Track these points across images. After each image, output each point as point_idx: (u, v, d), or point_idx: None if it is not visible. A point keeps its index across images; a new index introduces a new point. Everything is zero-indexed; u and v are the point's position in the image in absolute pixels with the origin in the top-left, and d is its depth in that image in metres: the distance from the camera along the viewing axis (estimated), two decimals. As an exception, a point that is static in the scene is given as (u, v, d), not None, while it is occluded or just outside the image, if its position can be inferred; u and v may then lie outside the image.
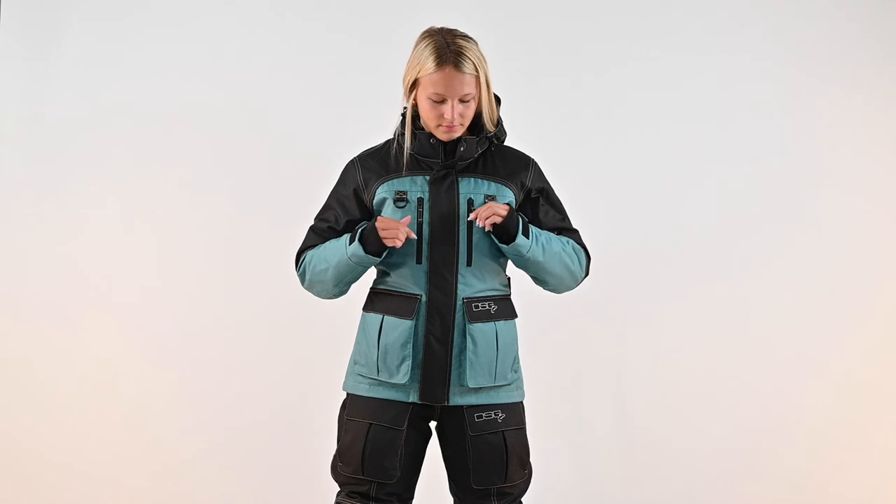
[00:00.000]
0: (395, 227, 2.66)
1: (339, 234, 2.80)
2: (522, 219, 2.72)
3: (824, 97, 4.25)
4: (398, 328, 2.71)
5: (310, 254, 2.81)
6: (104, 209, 4.18)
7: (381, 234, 2.66)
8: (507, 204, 2.73)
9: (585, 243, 2.88)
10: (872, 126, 4.25)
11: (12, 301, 4.16)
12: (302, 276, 2.83)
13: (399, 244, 2.66)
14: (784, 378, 4.18)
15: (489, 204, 2.66)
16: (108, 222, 4.17)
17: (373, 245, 2.68)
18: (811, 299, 4.20)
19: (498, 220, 2.66)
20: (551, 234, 2.79)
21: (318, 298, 2.88)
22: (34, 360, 4.14)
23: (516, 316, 2.83)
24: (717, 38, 4.24)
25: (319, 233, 2.83)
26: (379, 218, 2.69)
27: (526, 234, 2.70)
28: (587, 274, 2.88)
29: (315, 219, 2.87)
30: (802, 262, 4.20)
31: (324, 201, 2.87)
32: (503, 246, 2.70)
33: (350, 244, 2.70)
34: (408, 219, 2.68)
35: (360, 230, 2.71)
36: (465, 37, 2.70)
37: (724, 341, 4.18)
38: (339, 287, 2.80)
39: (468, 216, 2.70)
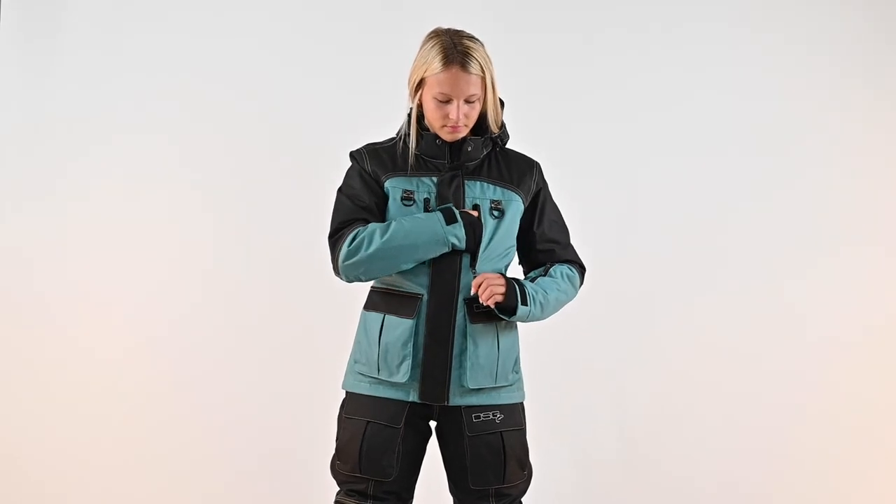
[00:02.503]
0: None
1: (373, 211, 2.72)
2: (519, 285, 2.70)
3: (828, 103, 4.25)
4: (399, 327, 2.70)
5: (372, 227, 2.67)
6: (106, 212, 4.18)
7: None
8: (501, 273, 2.73)
9: (580, 255, 2.89)
10: (879, 131, 4.25)
11: (14, 305, 4.16)
12: (354, 250, 2.66)
13: None
14: (783, 380, 4.18)
15: (485, 280, 2.64)
16: (110, 226, 4.17)
17: (470, 239, 2.68)
18: (814, 310, 4.20)
19: (500, 298, 2.65)
20: (546, 283, 2.77)
21: (344, 281, 2.75)
22: (34, 363, 4.14)
23: (518, 317, 2.82)
24: (728, 48, 4.24)
25: (360, 206, 2.71)
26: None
27: (525, 302, 2.69)
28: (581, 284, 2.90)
29: (343, 193, 2.76)
30: (805, 271, 4.20)
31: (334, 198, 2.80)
32: (503, 317, 2.70)
33: (448, 224, 2.65)
34: None
35: (454, 211, 2.66)
36: (472, 38, 2.70)
37: (725, 342, 4.18)
38: (409, 264, 2.68)
39: (470, 292, 2.68)
